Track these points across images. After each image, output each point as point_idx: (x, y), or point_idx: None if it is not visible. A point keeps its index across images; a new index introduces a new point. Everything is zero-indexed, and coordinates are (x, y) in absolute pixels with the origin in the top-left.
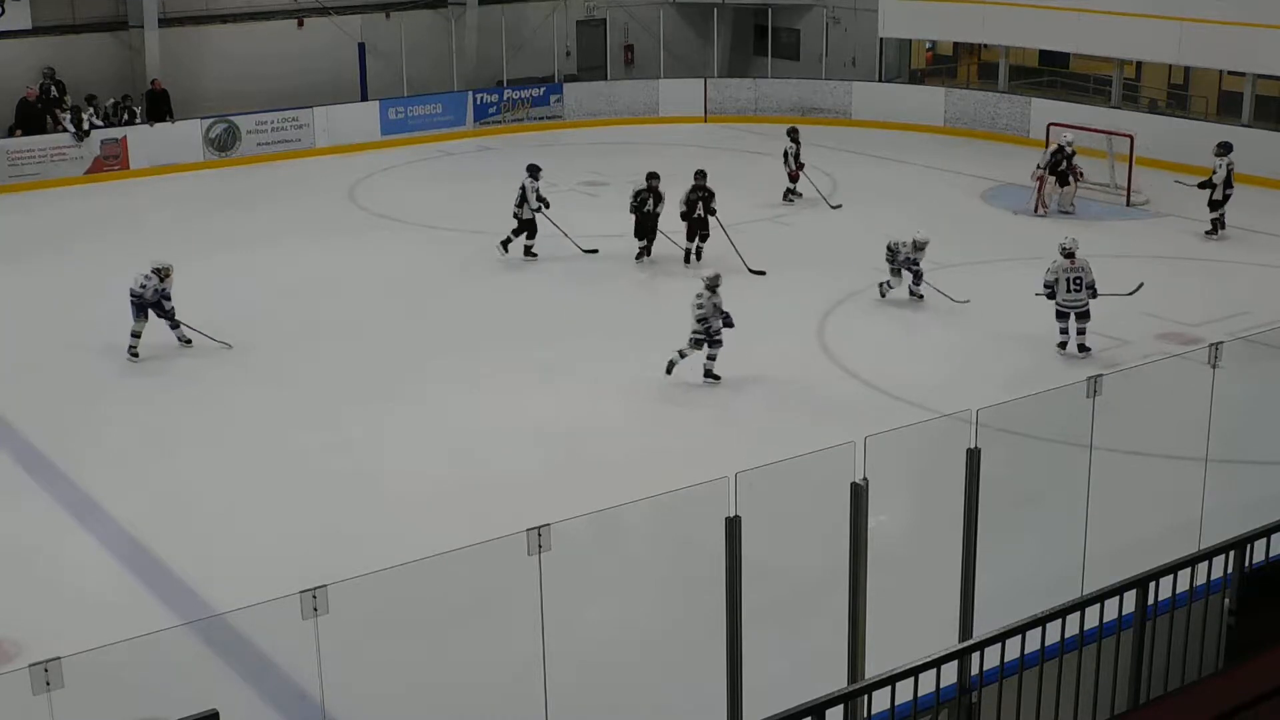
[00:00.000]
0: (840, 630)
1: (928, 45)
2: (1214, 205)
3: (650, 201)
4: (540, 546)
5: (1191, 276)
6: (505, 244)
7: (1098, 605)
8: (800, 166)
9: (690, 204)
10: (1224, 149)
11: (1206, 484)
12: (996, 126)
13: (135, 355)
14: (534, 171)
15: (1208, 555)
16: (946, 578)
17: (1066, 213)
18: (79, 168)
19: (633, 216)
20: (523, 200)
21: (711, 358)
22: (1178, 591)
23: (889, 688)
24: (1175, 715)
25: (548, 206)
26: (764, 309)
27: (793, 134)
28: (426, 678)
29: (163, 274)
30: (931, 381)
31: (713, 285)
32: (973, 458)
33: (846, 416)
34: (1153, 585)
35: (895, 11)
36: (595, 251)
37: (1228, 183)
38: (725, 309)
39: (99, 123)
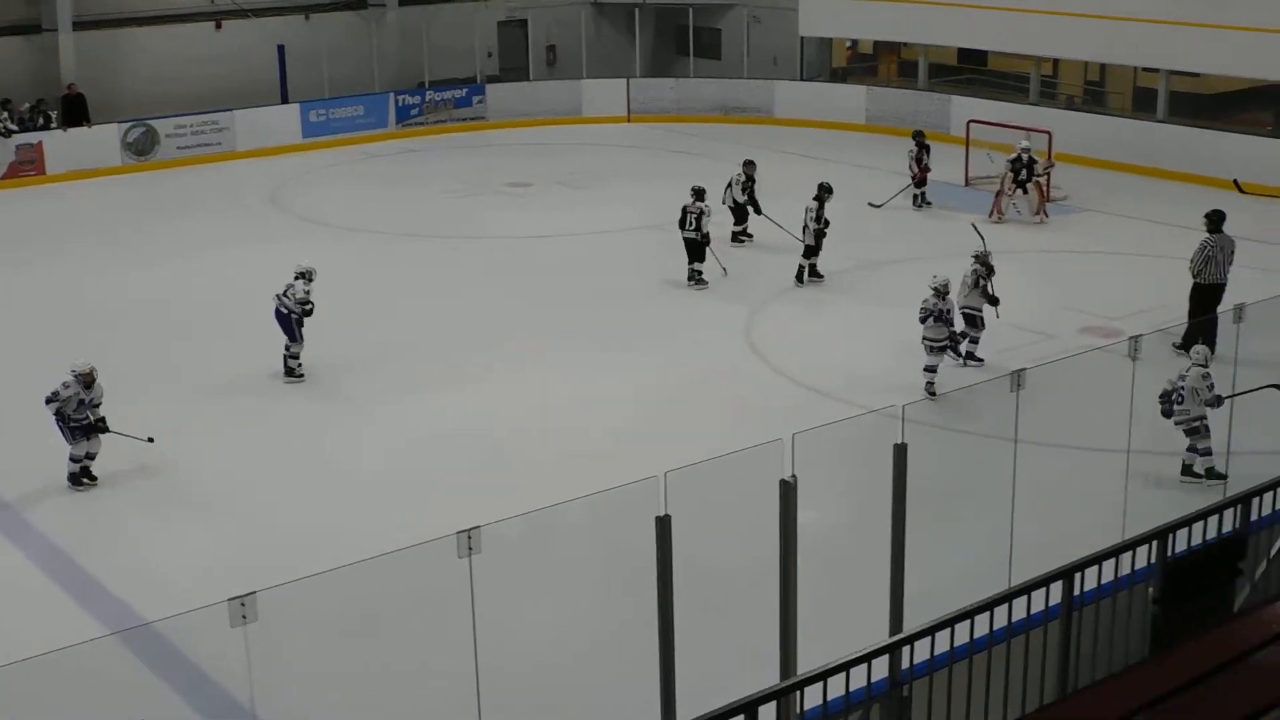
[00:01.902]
0: (773, 627)
1: (848, 44)
2: None
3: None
4: (471, 549)
5: (1112, 270)
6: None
7: (1025, 597)
8: (926, 170)
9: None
10: None
11: (1129, 474)
12: (917, 124)
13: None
14: (748, 167)
15: (1131, 545)
16: (877, 572)
17: (1038, 223)
18: None
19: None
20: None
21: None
22: (1103, 582)
23: (821, 683)
24: (1102, 704)
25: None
26: (692, 308)
27: (918, 137)
28: (358, 683)
29: (310, 276)
30: (859, 378)
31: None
32: (900, 453)
33: (775, 414)
34: (1078, 576)
35: (815, 10)
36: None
37: None
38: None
39: (14, 127)
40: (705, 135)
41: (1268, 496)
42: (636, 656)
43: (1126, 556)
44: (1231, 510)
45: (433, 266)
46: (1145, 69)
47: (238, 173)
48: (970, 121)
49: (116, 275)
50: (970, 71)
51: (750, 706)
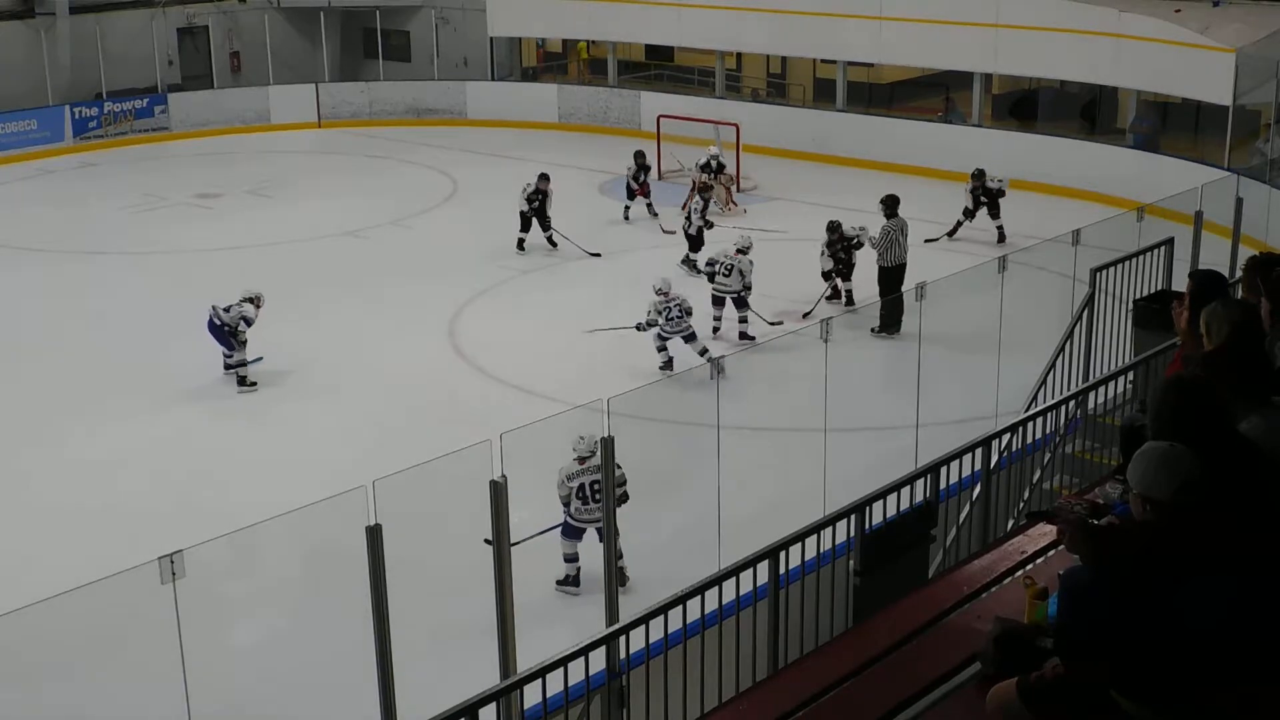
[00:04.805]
0: (491, 628)
1: (538, 43)
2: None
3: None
4: (174, 574)
5: (802, 256)
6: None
7: (734, 579)
8: (644, 185)
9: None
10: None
11: (828, 452)
12: (609, 120)
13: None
14: (540, 180)
15: (832, 521)
16: (591, 565)
17: (731, 213)
18: None
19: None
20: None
21: None
22: (807, 558)
23: (540, 680)
24: (811, 676)
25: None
26: (393, 312)
27: (640, 158)
28: None
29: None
30: (563, 374)
31: None
32: (606, 445)
33: (482, 414)
34: (783, 554)
35: (503, 10)
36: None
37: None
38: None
39: None
40: (398, 138)
41: (954, 466)
42: (355, 667)
43: (828, 532)
44: (922, 480)
45: (118, 284)
46: (824, 61)
47: None
48: (660, 116)
49: None
50: (658, 67)
51: (471, 709)
